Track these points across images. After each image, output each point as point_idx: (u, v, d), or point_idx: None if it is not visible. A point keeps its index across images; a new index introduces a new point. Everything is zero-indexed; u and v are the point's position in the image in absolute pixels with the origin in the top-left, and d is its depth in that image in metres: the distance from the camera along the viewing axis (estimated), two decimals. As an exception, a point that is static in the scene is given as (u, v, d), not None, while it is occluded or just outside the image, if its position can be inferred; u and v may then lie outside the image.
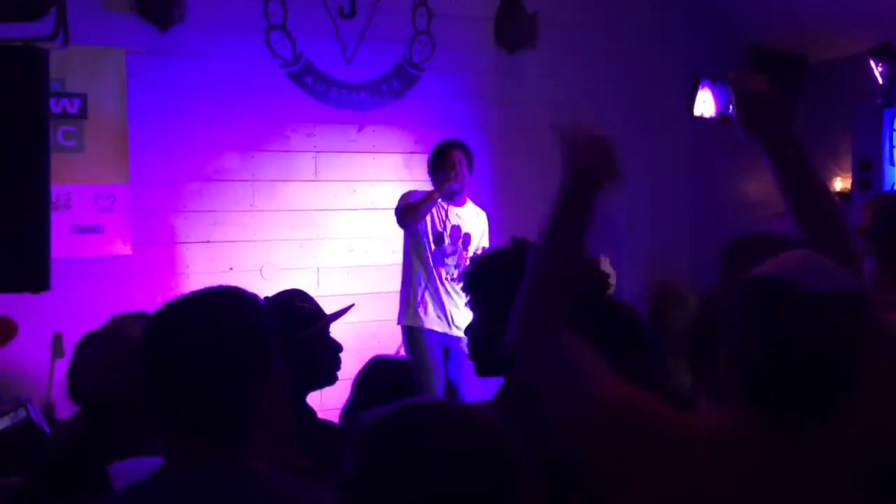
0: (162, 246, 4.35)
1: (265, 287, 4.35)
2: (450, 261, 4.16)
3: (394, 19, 4.86)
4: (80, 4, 3.93)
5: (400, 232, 4.25)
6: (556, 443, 1.27)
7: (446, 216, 4.18)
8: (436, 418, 0.98)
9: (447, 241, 4.16)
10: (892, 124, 4.03)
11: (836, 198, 5.02)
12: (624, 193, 1.50)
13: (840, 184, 5.21)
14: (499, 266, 1.74)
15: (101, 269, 4.15)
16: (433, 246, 4.13)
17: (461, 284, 1.84)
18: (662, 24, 5.57)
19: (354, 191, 4.80)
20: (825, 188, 1.49)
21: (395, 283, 4.31)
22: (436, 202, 4.09)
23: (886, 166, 4.01)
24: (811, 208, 1.46)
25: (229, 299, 1.36)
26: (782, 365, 1.12)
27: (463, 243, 4.19)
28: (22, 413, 2.57)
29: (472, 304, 1.79)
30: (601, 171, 1.44)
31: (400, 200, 4.15)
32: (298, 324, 2.11)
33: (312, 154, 4.71)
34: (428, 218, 4.10)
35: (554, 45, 5.18)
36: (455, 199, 4.20)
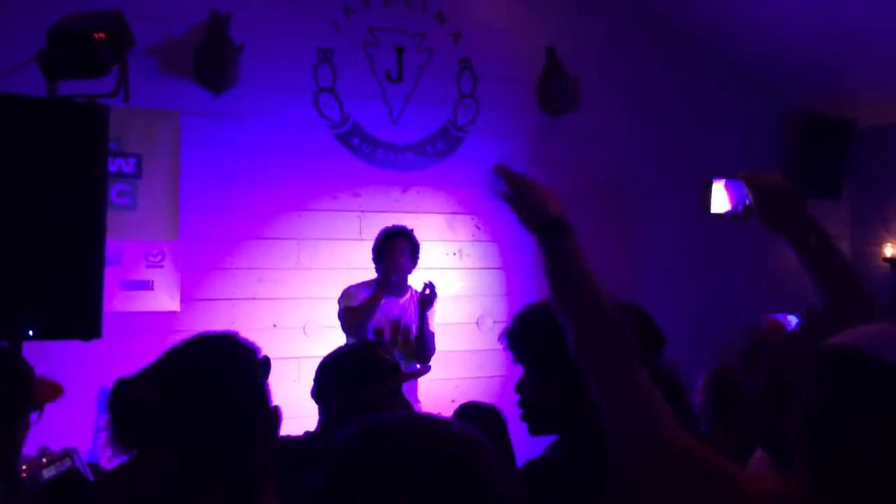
0: (208, 302, 4.41)
1: (309, 344, 4.41)
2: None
3: (439, 83, 4.96)
4: (137, 69, 4.07)
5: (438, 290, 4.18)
6: (617, 488, 1.25)
7: (386, 310, 4.01)
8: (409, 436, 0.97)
9: (386, 336, 4.00)
10: (944, 187, 3.96)
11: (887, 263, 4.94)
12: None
13: (890, 249, 5.11)
14: (540, 322, 1.68)
15: (149, 323, 4.21)
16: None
17: (503, 343, 1.78)
18: (707, 90, 5.60)
19: (398, 250, 4.83)
20: (849, 266, 1.50)
21: (438, 341, 4.32)
22: (379, 304, 3.92)
23: (939, 230, 3.92)
24: (844, 290, 1.47)
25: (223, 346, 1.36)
26: (856, 435, 1.11)
27: (402, 335, 4.03)
28: (68, 462, 2.59)
29: (518, 361, 1.76)
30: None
31: (340, 300, 4.01)
32: (378, 375, 2.07)
33: (357, 214, 4.77)
34: None
35: (597, 108, 5.23)
36: (397, 290, 4.04)
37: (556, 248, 1.49)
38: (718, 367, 2.80)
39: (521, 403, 1.74)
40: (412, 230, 4.12)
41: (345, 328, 3.95)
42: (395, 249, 4.00)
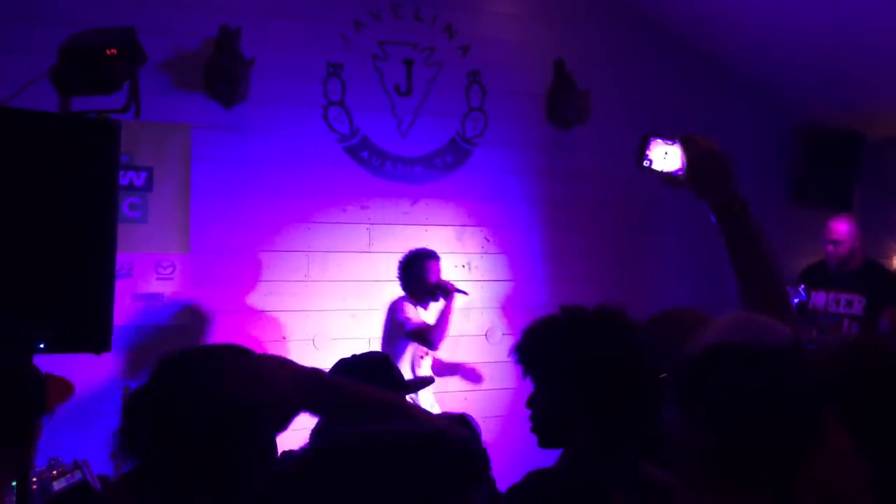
0: (218, 314, 4.44)
1: (318, 356, 4.43)
2: (424, 362, 4.38)
3: (448, 96, 4.99)
4: (149, 83, 4.13)
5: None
6: None
7: (426, 317, 4.36)
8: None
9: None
10: (952, 200, 3.95)
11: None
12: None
13: (899, 262, 5.10)
14: (550, 337, 1.69)
15: (160, 336, 4.24)
16: (412, 350, 4.30)
17: (513, 358, 1.78)
18: (716, 104, 5.60)
19: (407, 263, 4.85)
20: (770, 249, 1.52)
21: (445, 353, 4.34)
22: (451, 314, 4.26)
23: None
24: (754, 267, 1.49)
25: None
26: (734, 423, 1.20)
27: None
28: (78, 475, 2.61)
29: (527, 376, 1.77)
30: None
31: (394, 313, 4.28)
32: (389, 384, 2.10)
33: (366, 226, 4.79)
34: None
35: (606, 121, 5.24)
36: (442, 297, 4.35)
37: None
38: None
39: (532, 417, 1.75)
40: (430, 251, 4.43)
41: (434, 347, 4.24)
42: (432, 270, 4.33)
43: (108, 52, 2.22)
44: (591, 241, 5.24)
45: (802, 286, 4.53)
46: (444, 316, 4.23)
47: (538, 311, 4.62)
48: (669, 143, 1.64)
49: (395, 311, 4.29)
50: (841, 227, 4.63)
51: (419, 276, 4.32)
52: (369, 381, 2.08)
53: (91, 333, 2.28)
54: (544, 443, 1.73)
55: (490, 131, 5.09)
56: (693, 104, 5.53)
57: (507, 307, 5.09)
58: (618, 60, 5.38)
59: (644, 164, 1.65)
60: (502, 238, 5.09)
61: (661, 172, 1.66)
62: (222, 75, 4.30)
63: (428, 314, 4.38)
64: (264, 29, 4.52)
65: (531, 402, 1.74)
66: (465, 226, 4.98)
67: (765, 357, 1.19)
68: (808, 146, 5.69)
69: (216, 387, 1.30)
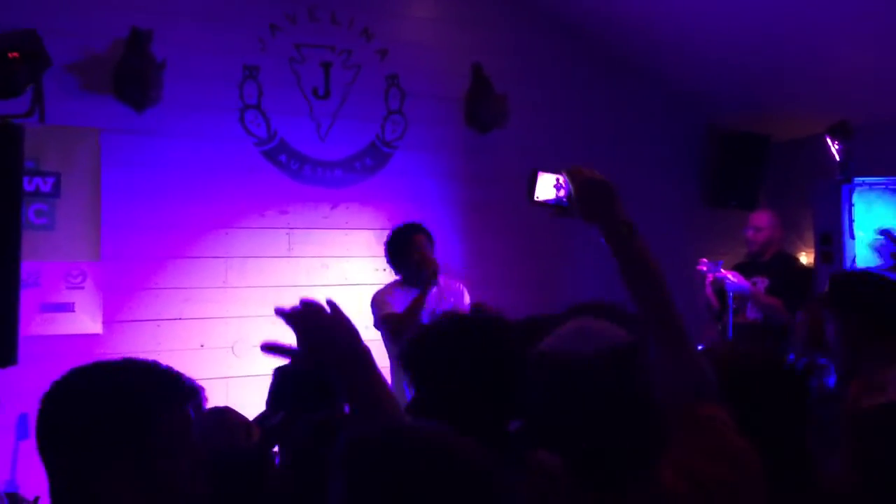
0: (133, 323, 4.32)
1: (238, 364, 4.36)
2: None
3: (367, 99, 4.97)
4: (56, 86, 4.00)
5: (365, 305, 4.16)
6: None
7: (434, 303, 3.96)
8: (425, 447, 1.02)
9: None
10: (850, 199, 4.15)
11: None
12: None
13: (805, 258, 5.32)
14: (436, 345, 1.71)
15: (70, 347, 4.09)
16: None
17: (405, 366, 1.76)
18: (631, 107, 5.75)
19: (327, 267, 4.82)
20: (656, 266, 1.60)
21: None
22: (425, 303, 3.86)
23: (847, 240, 4.11)
24: (643, 285, 1.58)
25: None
26: (566, 426, 1.30)
27: None
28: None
29: (413, 384, 1.75)
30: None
31: (375, 307, 3.95)
32: (313, 397, 2.06)
33: (286, 231, 4.74)
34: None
35: (524, 125, 5.31)
36: (432, 282, 3.97)
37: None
38: None
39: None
40: (420, 222, 4.13)
41: (392, 334, 3.81)
42: (416, 245, 3.98)
43: (9, 55, 2.14)
44: (510, 244, 5.30)
45: (721, 261, 4.73)
46: (416, 301, 3.85)
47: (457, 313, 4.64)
48: (556, 175, 1.71)
49: (372, 305, 4.00)
50: (764, 215, 4.86)
51: (402, 253, 3.99)
52: (305, 390, 2.07)
53: (-6, 347, 2.19)
54: None
55: (409, 135, 5.10)
56: (609, 107, 5.67)
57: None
58: (535, 64, 5.47)
59: (536, 197, 1.71)
60: (423, 241, 5.10)
61: (551, 203, 1.72)
62: (133, 77, 4.19)
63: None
64: (177, 30, 4.42)
65: (415, 409, 1.75)
66: (386, 229, 4.94)
67: (580, 365, 1.30)
68: (717, 147, 5.90)
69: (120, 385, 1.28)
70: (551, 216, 1.77)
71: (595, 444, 1.29)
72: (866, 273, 3.34)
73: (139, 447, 1.23)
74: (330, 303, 1.44)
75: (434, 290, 4.00)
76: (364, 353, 1.42)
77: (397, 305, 3.93)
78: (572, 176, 1.67)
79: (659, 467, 1.30)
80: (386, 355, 3.87)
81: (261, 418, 2.05)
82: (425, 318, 3.86)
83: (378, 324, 3.94)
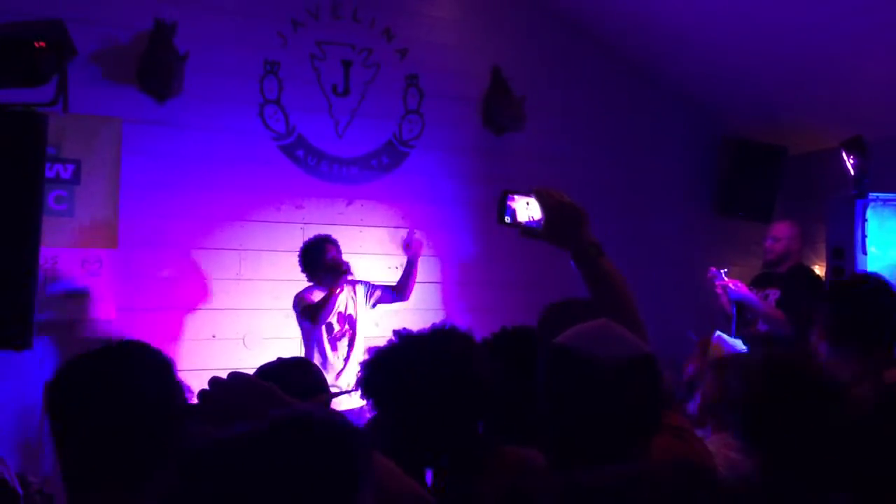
0: (146, 311, 4.37)
1: (248, 356, 4.40)
2: (341, 343, 4.38)
3: (385, 98, 5.01)
4: (79, 74, 4.06)
5: (382, 309, 4.54)
6: None
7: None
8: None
9: (336, 327, 4.37)
10: (864, 214, 4.14)
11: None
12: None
13: (818, 270, 5.30)
14: (391, 365, 1.71)
15: (85, 331, 4.16)
16: (326, 333, 4.32)
17: (359, 392, 1.75)
18: (647, 114, 5.76)
19: (340, 263, 4.85)
20: (624, 285, 1.64)
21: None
22: (338, 294, 4.27)
23: (859, 255, 4.10)
24: (611, 304, 1.61)
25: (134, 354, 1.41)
26: (574, 421, 1.35)
27: (349, 324, 4.42)
28: (-4, 472, 2.54)
29: (373, 406, 1.74)
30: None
31: (297, 305, 4.31)
32: (306, 391, 2.07)
33: (301, 225, 4.78)
34: None
35: (540, 128, 5.33)
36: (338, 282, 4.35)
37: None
38: None
39: (389, 444, 1.70)
40: (327, 235, 4.43)
41: (313, 321, 4.24)
42: (329, 251, 4.33)
43: (36, 44, 2.19)
44: (523, 245, 5.31)
45: (725, 270, 4.71)
46: (331, 294, 4.24)
47: (466, 313, 4.71)
48: (526, 197, 1.70)
49: (294, 304, 4.34)
50: (784, 226, 4.82)
51: (317, 259, 4.36)
52: (290, 387, 2.09)
53: (11, 330, 2.24)
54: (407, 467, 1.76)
55: (426, 134, 5.13)
56: (626, 114, 5.68)
57: (436, 309, 5.13)
58: (553, 68, 5.49)
59: (505, 219, 1.71)
60: (436, 240, 5.14)
61: (521, 225, 1.71)
62: (155, 69, 4.24)
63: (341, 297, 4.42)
64: (200, 24, 4.47)
65: (377, 428, 1.76)
66: (400, 227, 5.00)
67: (612, 369, 1.33)
68: (733, 158, 5.89)
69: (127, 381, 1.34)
70: (519, 236, 1.75)
71: (599, 447, 1.32)
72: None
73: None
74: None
75: (343, 292, 4.37)
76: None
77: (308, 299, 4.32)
78: (542, 198, 1.67)
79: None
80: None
81: None
82: (333, 317, 4.35)
83: (301, 316, 4.29)
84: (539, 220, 1.69)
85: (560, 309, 1.90)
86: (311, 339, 4.32)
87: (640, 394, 1.33)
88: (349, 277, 4.31)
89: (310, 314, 4.25)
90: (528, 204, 1.71)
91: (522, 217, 1.71)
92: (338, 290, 4.25)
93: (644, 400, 1.34)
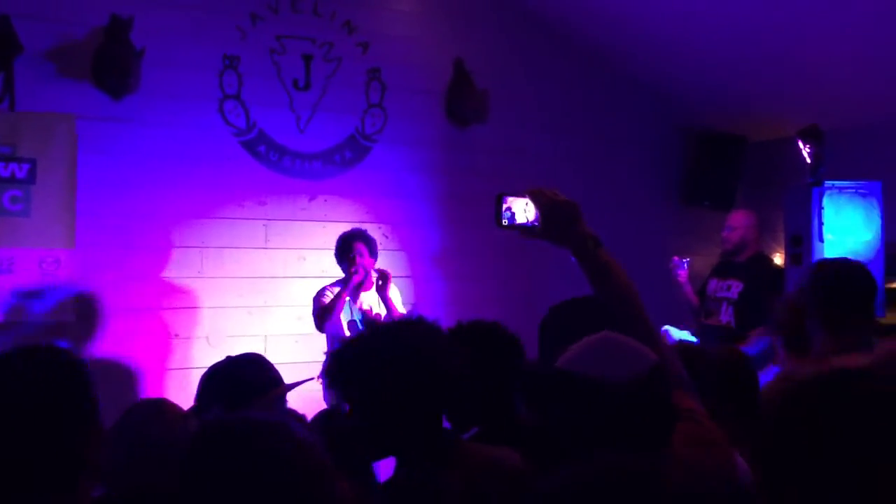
0: (106, 311, 4.30)
1: (212, 354, 4.35)
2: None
3: (347, 92, 4.98)
4: (33, 71, 3.98)
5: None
6: None
7: (354, 305, 4.37)
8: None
9: (360, 327, 4.30)
10: (821, 202, 4.20)
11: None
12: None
13: (778, 259, 5.38)
14: (356, 355, 1.73)
15: (42, 333, 4.08)
16: (349, 333, 4.27)
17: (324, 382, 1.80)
18: (610, 105, 5.79)
19: (304, 259, 4.82)
20: (624, 274, 1.66)
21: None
22: (345, 300, 4.25)
23: (816, 242, 4.16)
24: (615, 296, 1.63)
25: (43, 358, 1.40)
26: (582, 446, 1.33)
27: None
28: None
29: (345, 399, 1.76)
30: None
31: (315, 300, 4.34)
32: (244, 393, 2.07)
33: (263, 222, 4.74)
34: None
35: (503, 120, 5.34)
36: (362, 285, 4.33)
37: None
38: None
39: (357, 434, 1.75)
40: (365, 230, 4.45)
41: (319, 328, 4.29)
42: (354, 250, 4.29)
43: (-19, 41, 2.13)
44: (489, 238, 5.32)
45: (687, 259, 4.78)
46: (337, 298, 4.24)
47: (436, 307, 4.71)
48: (521, 198, 1.71)
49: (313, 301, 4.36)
50: (739, 215, 4.89)
51: (339, 256, 4.37)
52: (245, 384, 2.08)
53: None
54: (371, 456, 1.78)
55: (389, 128, 5.10)
56: (588, 105, 5.71)
57: (405, 304, 5.12)
58: (515, 60, 5.49)
59: (504, 222, 1.71)
60: (401, 235, 5.13)
61: (520, 226, 1.72)
62: (111, 65, 4.17)
63: (370, 296, 4.40)
64: (157, 18, 4.40)
65: (347, 419, 1.78)
66: (364, 222, 4.97)
67: (614, 392, 1.32)
68: (696, 147, 5.95)
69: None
70: (519, 237, 1.77)
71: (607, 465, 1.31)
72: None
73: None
74: None
75: (372, 291, 4.35)
76: None
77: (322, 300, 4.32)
78: (536, 198, 1.69)
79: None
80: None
81: (195, 411, 2.07)
82: (358, 317, 4.35)
83: (314, 317, 4.33)
84: (535, 220, 1.70)
85: (561, 311, 1.92)
86: (334, 338, 4.27)
87: (647, 411, 1.34)
88: (374, 284, 4.26)
89: (315, 319, 4.28)
90: (526, 205, 1.71)
91: (521, 218, 1.72)
92: (346, 296, 4.22)
93: (652, 416, 1.34)
